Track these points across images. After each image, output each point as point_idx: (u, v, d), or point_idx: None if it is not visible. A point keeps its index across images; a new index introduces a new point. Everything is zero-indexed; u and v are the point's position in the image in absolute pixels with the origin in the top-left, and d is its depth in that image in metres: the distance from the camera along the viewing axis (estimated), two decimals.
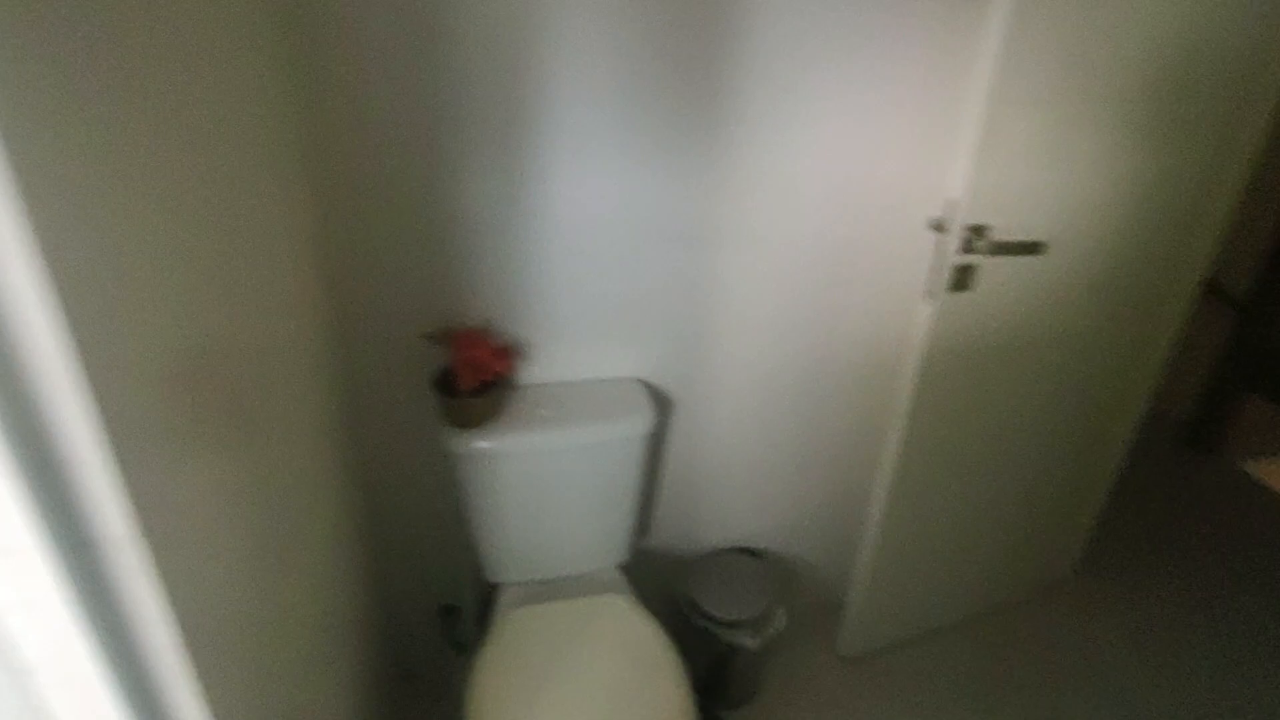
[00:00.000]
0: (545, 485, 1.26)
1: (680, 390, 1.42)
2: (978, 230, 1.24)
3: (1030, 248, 1.29)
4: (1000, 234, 1.26)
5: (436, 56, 1.02)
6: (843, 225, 1.33)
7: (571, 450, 1.23)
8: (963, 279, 1.28)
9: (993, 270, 1.30)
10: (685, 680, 1.16)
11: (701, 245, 1.27)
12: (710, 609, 1.47)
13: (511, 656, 1.19)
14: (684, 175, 1.20)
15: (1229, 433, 2.60)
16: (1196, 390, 2.63)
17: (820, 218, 1.31)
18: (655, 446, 1.47)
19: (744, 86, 1.16)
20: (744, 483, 1.59)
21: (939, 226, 1.27)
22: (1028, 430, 1.60)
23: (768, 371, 1.45)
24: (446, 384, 1.18)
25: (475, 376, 1.17)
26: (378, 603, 1.44)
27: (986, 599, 1.88)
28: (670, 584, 1.61)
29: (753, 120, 1.19)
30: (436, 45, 1.02)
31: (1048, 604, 1.96)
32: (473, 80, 1.05)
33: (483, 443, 1.18)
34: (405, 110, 1.05)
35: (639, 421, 1.25)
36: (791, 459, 1.59)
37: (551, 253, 1.21)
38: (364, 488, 1.33)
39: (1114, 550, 2.13)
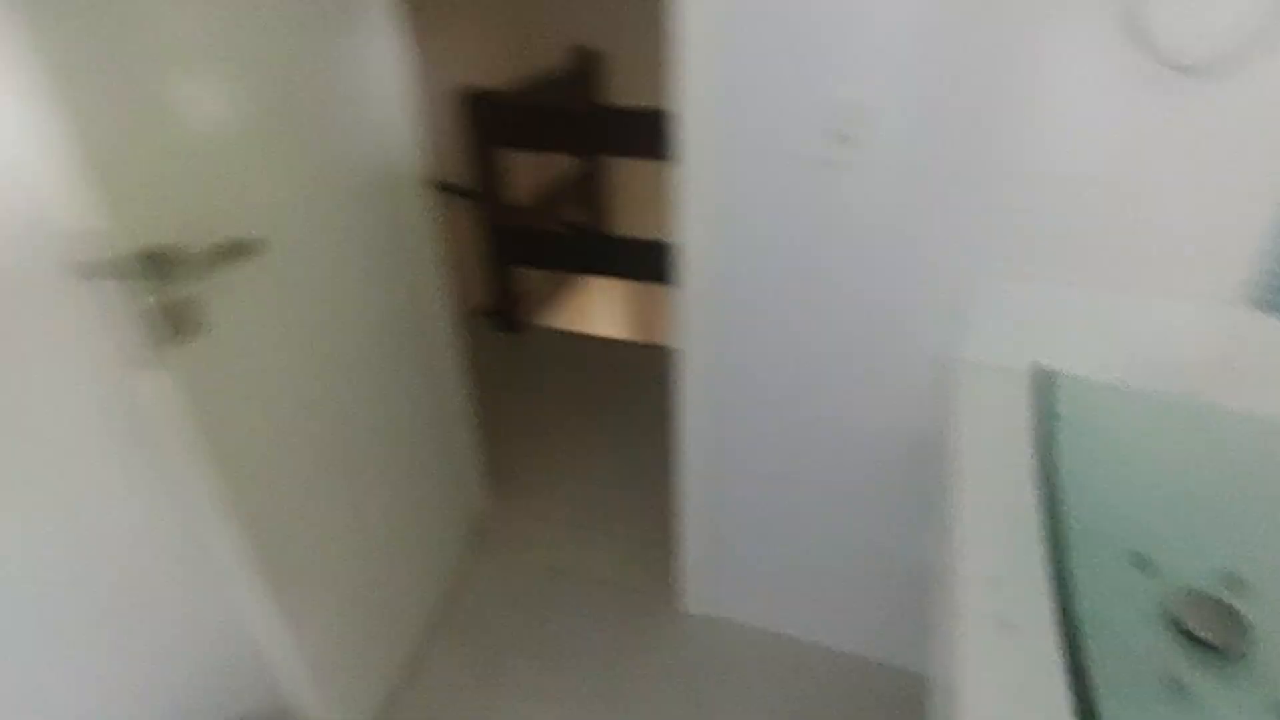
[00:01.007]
0: None
1: None
2: (156, 255, 0.88)
3: (242, 248, 1.00)
4: (195, 245, 0.93)
5: None
6: None
7: None
8: (183, 318, 0.93)
9: (226, 287, 0.98)
10: None
11: None
12: None
13: None
14: None
15: (520, 303, 3.00)
16: (486, 280, 2.91)
17: None
18: None
19: None
20: None
21: (101, 272, 0.86)
22: (365, 407, 1.41)
23: None
24: None
25: None
26: None
27: (437, 589, 1.76)
28: None
29: None
30: None
31: (488, 542, 1.96)
32: None
33: None
34: None
35: None
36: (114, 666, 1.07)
37: None
38: None
39: (502, 448, 2.26)
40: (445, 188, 2.64)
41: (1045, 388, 1.01)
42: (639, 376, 2.67)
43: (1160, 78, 0.89)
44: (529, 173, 3.03)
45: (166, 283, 0.90)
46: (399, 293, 1.49)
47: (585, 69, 3.15)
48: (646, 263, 2.65)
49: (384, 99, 1.38)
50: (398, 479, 1.54)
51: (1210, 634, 0.69)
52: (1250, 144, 0.89)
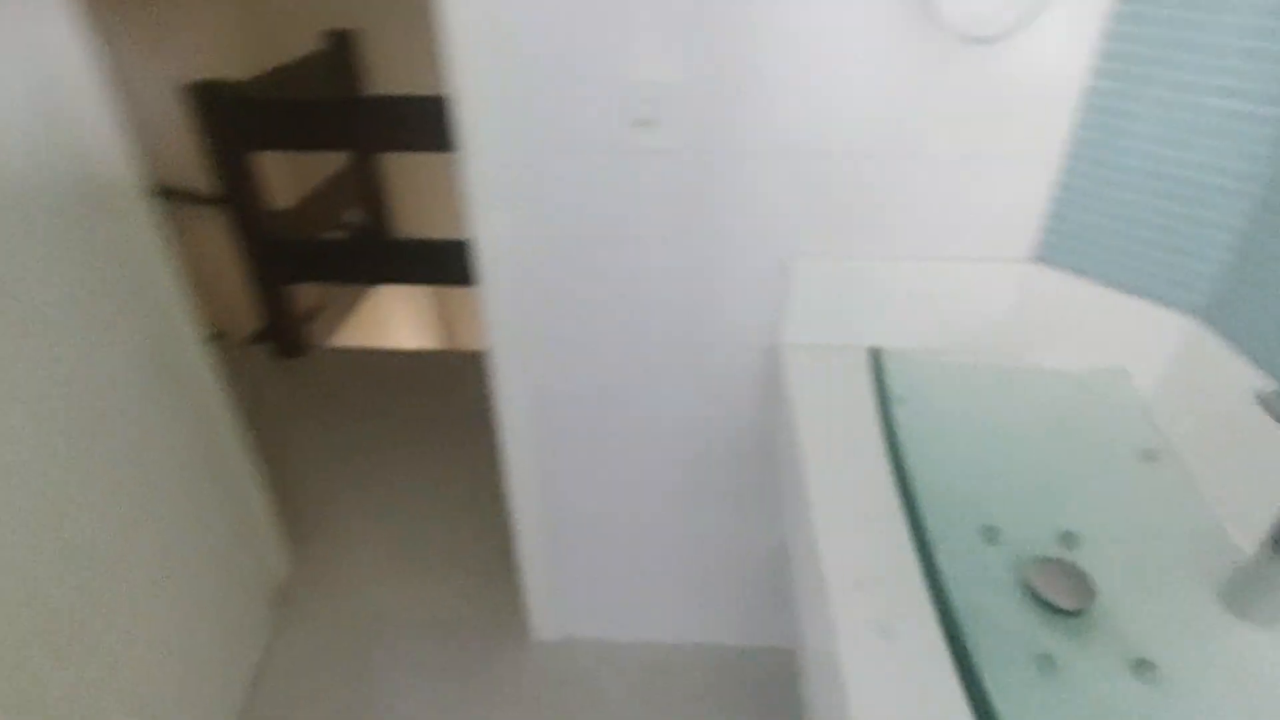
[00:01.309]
0: None
1: None
2: None
3: None
4: None
5: None
6: None
7: None
8: None
9: None
10: None
11: None
12: None
13: None
14: None
15: (300, 323, 2.64)
16: (255, 302, 2.52)
17: None
18: None
19: None
20: None
21: None
22: (107, 486, 1.12)
23: None
24: None
25: None
26: None
27: (240, 679, 1.48)
28: None
29: None
30: None
31: (295, 606, 1.69)
32: None
33: None
34: None
35: None
36: None
37: None
38: None
39: (299, 495, 1.97)
40: (174, 194, 2.23)
41: (877, 368, 1.01)
42: (449, 389, 2.46)
43: (946, 47, 0.90)
44: (291, 175, 2.67)
45: None
46: (134, 330, 1.19)
47: (342, 54, 2.82)
48: (440, 264, 2.44)
49: (73, 96, 1.07)
50: (167, 566, 1.25)
51: (1062, 599, 0.71)
52: (1032, 109, 0.94)
